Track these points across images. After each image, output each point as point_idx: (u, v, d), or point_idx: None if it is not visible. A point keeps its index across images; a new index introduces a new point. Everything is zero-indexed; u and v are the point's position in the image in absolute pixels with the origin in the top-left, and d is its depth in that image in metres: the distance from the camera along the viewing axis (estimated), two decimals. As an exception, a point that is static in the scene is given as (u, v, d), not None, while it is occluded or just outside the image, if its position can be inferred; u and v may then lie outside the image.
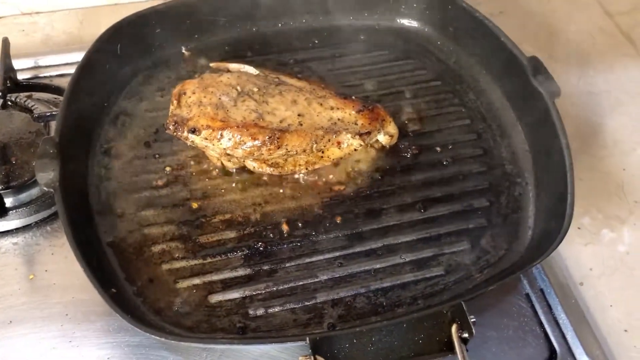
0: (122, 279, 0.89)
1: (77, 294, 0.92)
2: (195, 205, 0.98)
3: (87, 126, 1.03)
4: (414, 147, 1.06)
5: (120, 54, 1.10)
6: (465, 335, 0.76)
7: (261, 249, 0.94)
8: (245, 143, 0.94)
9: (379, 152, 1.05)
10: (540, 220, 0.98)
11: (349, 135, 0.97)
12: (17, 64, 1.18)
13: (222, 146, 0.94)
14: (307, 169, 1.00)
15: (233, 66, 1.07)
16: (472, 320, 0.77)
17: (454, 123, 1.12)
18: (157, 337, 0.78)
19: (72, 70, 1.02)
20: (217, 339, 0.84)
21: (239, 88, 0.99)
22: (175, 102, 0.98)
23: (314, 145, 0.96)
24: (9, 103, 1.12)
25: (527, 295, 0.96)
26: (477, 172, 1.05)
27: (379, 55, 1.23)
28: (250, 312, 0.87)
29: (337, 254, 0.94)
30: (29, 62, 1.25)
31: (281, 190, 1.00)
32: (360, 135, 0.98)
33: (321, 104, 1.00)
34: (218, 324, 0.86)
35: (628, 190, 1.11)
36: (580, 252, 1.02)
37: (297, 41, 1.23)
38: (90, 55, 1.03)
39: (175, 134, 0.96)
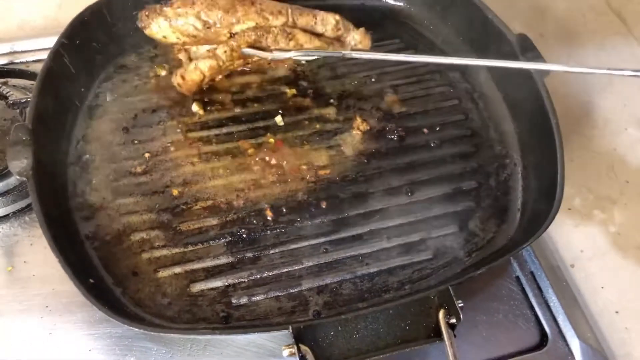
0: (101, 269, 0.87)
1: (57, 285, 0.90)
2: (175, 192, 0.96)
3: (63, 112, 1.00)
4: (400, 129, 1.05)
5: (96, 37, 1.07)
6: (453, 320, 0.76)
7: (244, 236, 0.92)
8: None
9: (365, 135, 1.04)
10: (529, 202, 0.97)
11: (328, 15, 0.99)
12: (-9, 49, 1.16)
13: (195, 9, 0.92)
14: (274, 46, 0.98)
15: None
16: (460, 305, 0.76)
17: (441, 104, 1.10)
18: (137, 329, 0.77)
19: (49, 55, 0.99)
20: (199, 330, 0.83)
21: None
22: None
23: (289, 13, 0.96)
24: (-16, 90, 1.09)
25: (517, 278, 0.95)
26: (465, 153, 1.03)
27: (365, 35, 1.20)
28: (234, 300, 0.86)
29: (322, 239, 0.92)
30: (4, 48, 1.22)
31: (265, 176, 0.98)
32: (337, 20, 0.99)
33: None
34: (200, 314, 0.84)
35: (619, 170, 1.10)
36: (571, 234, 1.02)
37: (280, 22, 1.20)
38: (64, 38, 1.00)
39: (145, 16, 0.95)
